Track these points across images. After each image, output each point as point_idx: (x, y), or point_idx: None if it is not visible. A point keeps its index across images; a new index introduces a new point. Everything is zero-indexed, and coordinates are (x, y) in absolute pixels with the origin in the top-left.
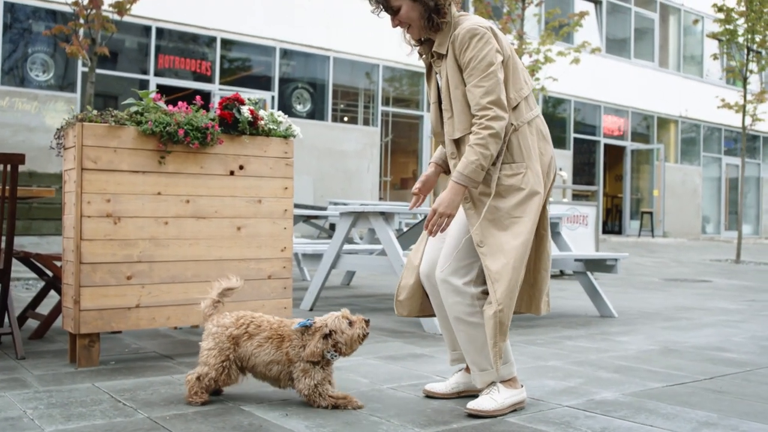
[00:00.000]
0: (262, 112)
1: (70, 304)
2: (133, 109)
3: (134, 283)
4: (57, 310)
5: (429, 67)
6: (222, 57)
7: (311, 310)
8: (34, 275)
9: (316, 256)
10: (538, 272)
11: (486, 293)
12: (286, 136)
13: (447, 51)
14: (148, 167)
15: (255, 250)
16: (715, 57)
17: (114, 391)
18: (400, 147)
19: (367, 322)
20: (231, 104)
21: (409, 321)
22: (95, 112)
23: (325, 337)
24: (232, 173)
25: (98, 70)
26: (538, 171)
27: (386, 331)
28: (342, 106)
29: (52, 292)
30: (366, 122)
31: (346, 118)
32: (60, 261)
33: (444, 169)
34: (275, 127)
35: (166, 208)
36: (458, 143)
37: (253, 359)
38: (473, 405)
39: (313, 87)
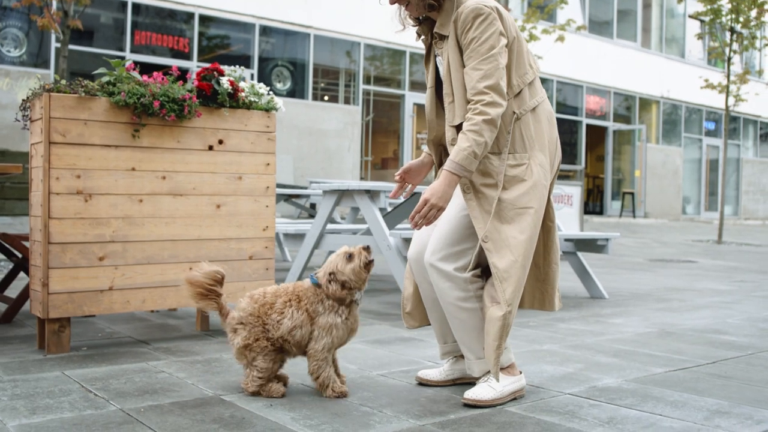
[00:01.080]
0: (242, 84)
1: (38, 287)
2: (105, 79)
3: (107, 265)
4: (26, 293)
5: (428, 49)
6: (200, 34)
7: None
8: (3, 256)
9: (298, 236)
10: (549, 266)
11: (478, 276)
12: (268, 109)
13: (449, 32)
14: (121, 141)
15: (235, 229)
16: (699, 36)
17: (85, 380)
18: (382, 126)
19: (366, 249)
20: (209, 75)
21: (395, 303)
22: (64, 82)
23: (330, 282)
24: (210, 148)
25: (73, 47)
26: (542, 161)
27: (372, 313)
28: (323, 84)
29: (22, 274)
30: (347, 101)
31: (326, 97)
32: (29, 241)
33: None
34: (256, 100)
35: (140, 185)
36: (459, 129)
37: (280, 329)
38: (470, 394)
39: (293, 65)
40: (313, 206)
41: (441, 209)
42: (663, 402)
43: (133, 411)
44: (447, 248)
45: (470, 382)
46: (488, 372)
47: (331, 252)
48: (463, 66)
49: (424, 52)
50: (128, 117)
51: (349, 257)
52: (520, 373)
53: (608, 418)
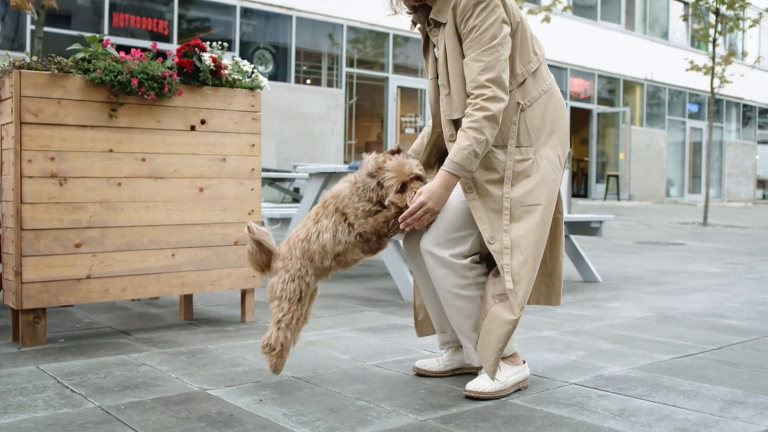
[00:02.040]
0: (225, 61)
1: (11, 276)
2: (80, 55)
3: (84, 252)
4: None
5: (426, 38)
6: (180, 16)
7: None
8: None
9: (284, 221)
10: (556, 260)
11: (476, 263)
12: (253, 87)
13: (447, 19)
14: (97, 121)
15: (219, 213)
16: (685, 18)
17: (61, 375)
18: (365, 110)
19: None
20: (191, 51)
21: (384, 288)
22: (35, 58)
23: (372, 176)
24: (192, 128)
25: (50, 29)
26: (548, 154)
27: (361, 299)
28: (305, 68)
29: None
30: (330, 84)
31: (309, 81)
32: (0, 228)
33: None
34: (240, 78)
35: (118, 168)
36: (457, 124)
37: (324, 246)
38: (473, 386)
39: (275, 48)
40: (296, 190)
41: (436, 213)
42: (674, 391)
43: (112, 409)
44: (444, 234)
45: (470, 373)
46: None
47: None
48: (463, 56)
49: (409, 34)
50: (105, 96)
51: (402, 187)
52: (524, 362)
53: (619, 410)
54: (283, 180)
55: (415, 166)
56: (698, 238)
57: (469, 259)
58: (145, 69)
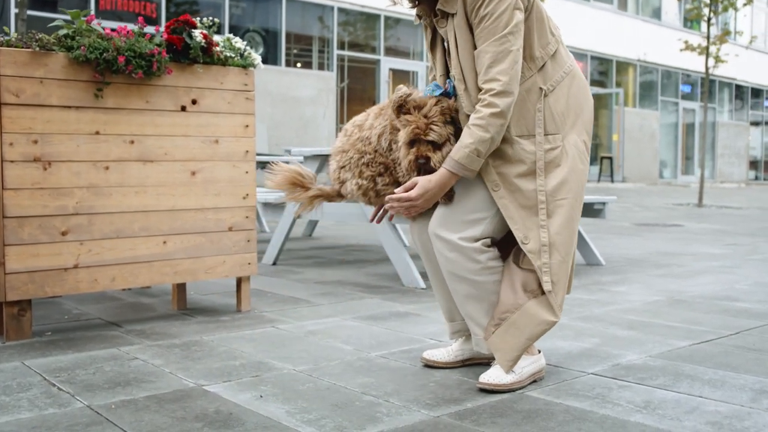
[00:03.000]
0: (217, 38)
1: None
2: (63, 32)
3: (71, 240)
4: None
5: (433, 32)
6: None
7: (274, 264)
8: None
9: (278, 206)
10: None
11: (487, 246)
12: (246, 65)
13: (456, 9)
14: (83, 101)
15: (213, 198)
16: None
17: (48, 371)
18: (357, 93)
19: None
20: (180, 27)
21: (384, 274)
22: (15, 34)
23: (399, 108)
24: (183, 109)
25: (35, 13)
26: (575, 141)
27: (360, 286)
28: (296, 51)
29: None
30: (321, 67)
31: (299, 64)
32: None
33: None
34: (233, 55)
35: (106, 151)
36: None
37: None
38: (487, 378)
39: (265, 31)
40: None
41: (422, 210)
42: (699, 381)
43: (102, 408)
44: (454, 217)
45: (481, 363)
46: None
47: (310, 221)
48: (476, 47)
49: (401, 15)
50: (90, 74)
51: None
52: (539, 351)
53: (644, 402)
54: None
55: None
56: (695, 219)
57: (479, 242)
58: (133, 46)
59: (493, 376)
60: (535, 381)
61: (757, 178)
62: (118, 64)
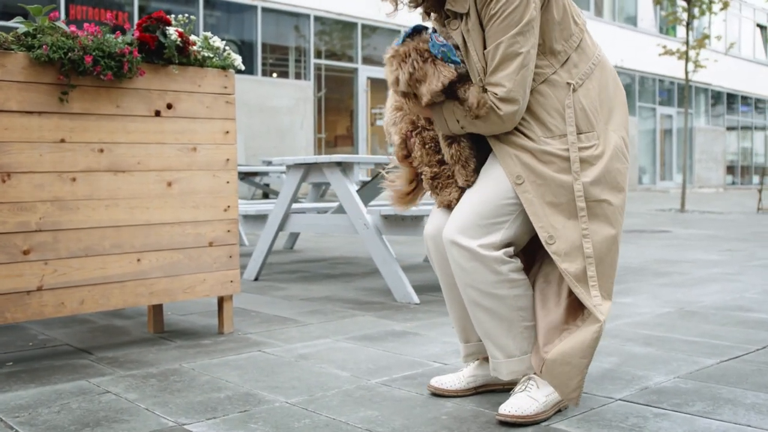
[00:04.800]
0: (193, 37)
1: None
2: (22, 29)
3: (34, 259)
4: None
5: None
6: (141, 9)
7: (256, 279)
8: None
9: (259, 218)
10: None
11: (510, 256)
12: (225, 66)
13: (468, 8)
14: (46, 106)
15: (191, 210)
16: (657, 1)
17: (6, 410)
18: (335, 102)
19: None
20: (154, 25)
21: (374, 289)
22: None
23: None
24: (158, 114)
25: (3, 23)
26: (613, 139)
27: (349, 302)
28: (272, 60)
29: None
30: (298, 76)
31: (275, 74)
32: None
33: None
34: (211, 55)
35: (72, 160)
36: None
37: None
38: (509, 408)
39: (240, 39)
40: (267, 186)
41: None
42: (741, 406)
43: None
44: (472, 220)
45: (496, 391)
46: (526, 378)
47: (291, 234)
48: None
49: (378, 24)
50: (54, 76)
51: None
52: None
53: None
54: (255, 174)
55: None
56: (681, 224)
57: (501, 251)
58: (101, 45)
59: (515, 406)
60: (559, 410)
61: (734, 182)
62: (85, 65)
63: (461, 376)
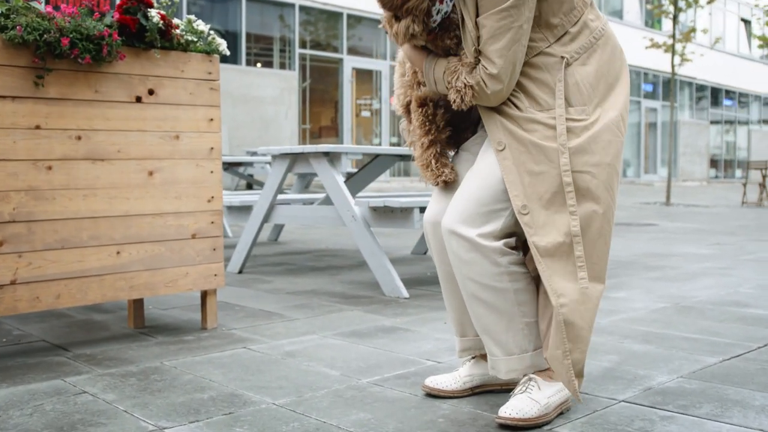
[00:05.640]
0: (176, 20)
1: None
2: None
3: (7, 252)
4: None
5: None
6: None
7: (241, 272)
8: None
9: (244, 209)
10: None
11: (513, 248)
12: (210, 51)
13: None
14: (19, 91)
15: (173, 201)
16: None
17: None
18: (320, 93)
19: None
20: (134, 7)
21: (361, 282)
22: None
23: None
24: (138, 100)
25: None
26: (608, 115)
27: (336, 296)
28: (256, 50)
29: None
30: (283, 66)
31: (259, 64)
32: None
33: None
34: (194, 39)
35: (48, 148)
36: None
37: None
38: (510, 411)
39: (224, 29)
40: (251, 176)
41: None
42: (751, 409)
43: None
44: (471, 208)
45: (494, 391)
46: (527, 379)
47: (276, 226)
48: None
49: (363, 14)
50: (28, 59)
51: None
52: None
53: None
54: (240, 164)
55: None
56: (668, 218)
57: (502, 241)
58: (78, 27)
59: (515, 408)
60: (562, 413)
61: (717, 176)
62: (62, 48)
63: (457, 376)
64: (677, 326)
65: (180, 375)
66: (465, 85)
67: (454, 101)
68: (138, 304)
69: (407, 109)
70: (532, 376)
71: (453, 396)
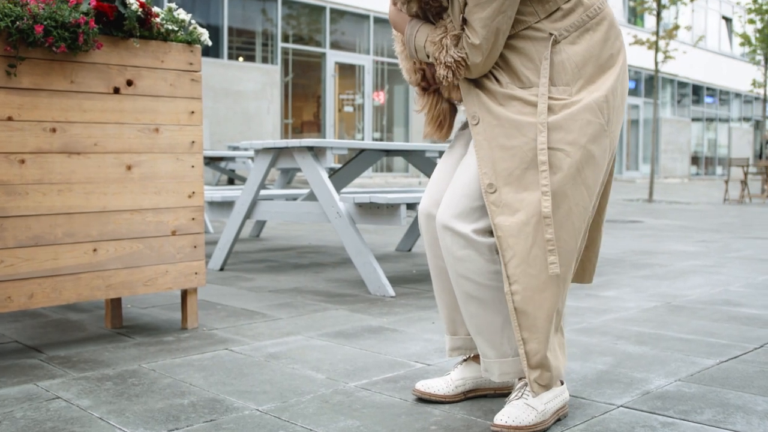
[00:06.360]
0: (157, 9)
1: None
2: None
3: None
4: None
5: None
6: None
7: (222, 269)
8: None
9: (225, 204)
10: (597, 230)
11: None
12: (191, 41)
13: None
14: None
15: (153, 196)
16: None
17: None
18: (302, 87)
19: None
20: None
21: (345, 280)
22: None
23: None
24: (117, 91)
25: None
26: (593, 96)
27: (320, 294)
28: (238, 44)
29: None
30: (265, 60)
31: (241, 58)
32: None
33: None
34: (175, 28)
35: (21, 141)
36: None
37: None
38: (505, 418)
39: (206, 23)
40: (233, 171)
41: None
42: (754, 414)
43: None
44: (465, 202)
45: (487, 396)
46: (523, 384)
47: (258, 222)
48: None
49: (346, 8)
50: (0, 47)
51: None
52: (562, 383)
53: None
54: (221, 159)
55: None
56: (651, 214)
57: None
58: (53, 14)
59: (511, 415)
60: (559, 419)
61: (698, 173)
62: (35, 36)
63: (449, 380)
64: (671, 326)
65: (159, 379)
66: (455, 59)
67: (445, 77)
68: (116, 303)
69: (418, 81)
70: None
71: (445, 401)
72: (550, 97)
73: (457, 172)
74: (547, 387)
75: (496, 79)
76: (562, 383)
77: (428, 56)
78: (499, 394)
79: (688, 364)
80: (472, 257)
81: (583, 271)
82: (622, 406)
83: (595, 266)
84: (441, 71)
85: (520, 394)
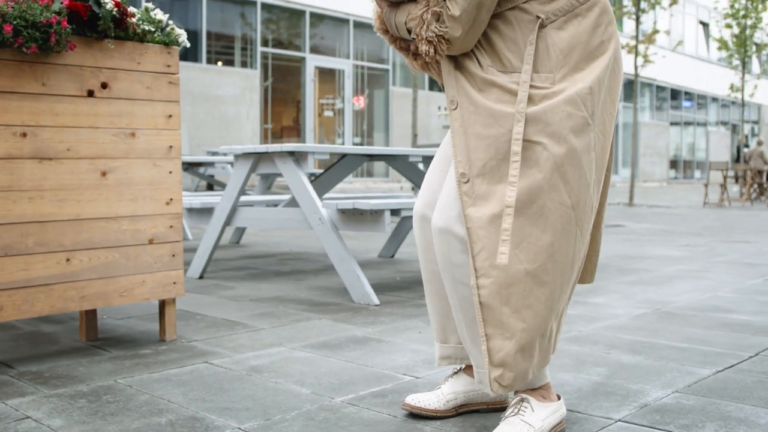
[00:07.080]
0: (133, 9)
1: None
2: None
3: None
4: None
5: None
6: None
7: (201, 277)
8: None
9: (205, 211)
10: (597, 228)
11: None
12: (168, 42)
13: None
14: None
15: (129, 203)
16: None
17: None
18: (282, 92)
19: None
20: None
21: (328, 288)
22: None
23: None
24: (90, 94)
25: None
26: (576, 87)
27: (303, 303)
28: (217, 48)
29: None
30: (244, 65)
31: (220, 63)
32: None
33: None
34: (152, 29)
35: None
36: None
37: None
38: None
39: (185, 26)
40: (212, 177)
41: None
42: (756, 427)
43: None
44: (457, 204)
45: (480, 411)
46: (519, 400)
47: (237, 228)
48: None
49: (326, 12)
50: None
51: None
52: (559, 397)
53: None
54: (200, 164)
55: None
56: (633, 218)
57: None
58: (24, 13)
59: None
60: None
61: (676, 177)
62: (4, 35)
63: (440, 394)
64: (663, 334)
65: (135, 395)
66: (436, 34)
67: (427, 53)
68: (90, 315)
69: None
70: (524, 396)
71: (437, 416)
72: (531, 86)
73: (449, 173)
74: (508, 388)
75: (478, 61)
76: (559, 398)
77: (409, 32)
78: (493, 409)
79: (684, 374)
80: (467, 262)
81: (584, 270)
82: (620, 420)
83: (595, 266)
84: (423, 47)
85: (516, 410)
